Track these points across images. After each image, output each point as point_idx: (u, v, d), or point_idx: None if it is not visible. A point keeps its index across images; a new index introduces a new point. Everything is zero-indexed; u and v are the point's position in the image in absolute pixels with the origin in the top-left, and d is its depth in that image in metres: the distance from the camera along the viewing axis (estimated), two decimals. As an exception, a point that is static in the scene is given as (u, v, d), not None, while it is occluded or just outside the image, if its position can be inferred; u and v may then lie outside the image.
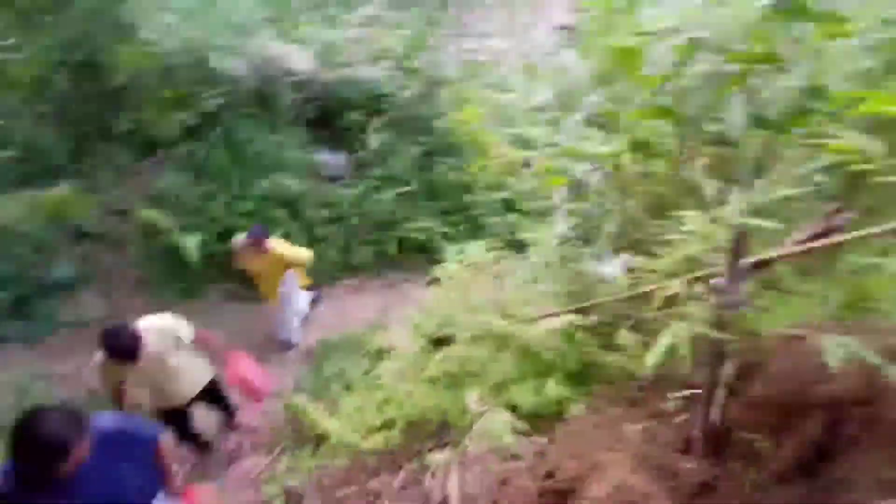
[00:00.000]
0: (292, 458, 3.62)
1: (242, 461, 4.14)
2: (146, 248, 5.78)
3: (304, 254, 4.94)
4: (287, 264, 4.83)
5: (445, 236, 7.18)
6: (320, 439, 3.58)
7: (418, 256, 7.50)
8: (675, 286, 1.68)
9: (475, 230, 7.21)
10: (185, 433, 3.99)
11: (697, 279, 1.78)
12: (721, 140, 2.72)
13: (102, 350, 2.94)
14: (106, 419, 2.28)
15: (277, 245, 4.74)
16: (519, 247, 7.21)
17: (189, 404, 3.66)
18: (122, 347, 2.87)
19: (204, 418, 4.10)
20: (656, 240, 2.57)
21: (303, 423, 4.04)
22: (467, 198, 7.87)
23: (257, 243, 4.58)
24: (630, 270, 2.27)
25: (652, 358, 1.38)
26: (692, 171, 2.57)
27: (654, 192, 2.80)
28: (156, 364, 3.19)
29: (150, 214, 5.64)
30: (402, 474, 2.83)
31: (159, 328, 3.22)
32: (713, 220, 1.65)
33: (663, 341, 1.40)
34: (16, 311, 5.02)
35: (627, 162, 2.83)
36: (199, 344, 3.51)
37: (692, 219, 1.65)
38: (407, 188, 7.40)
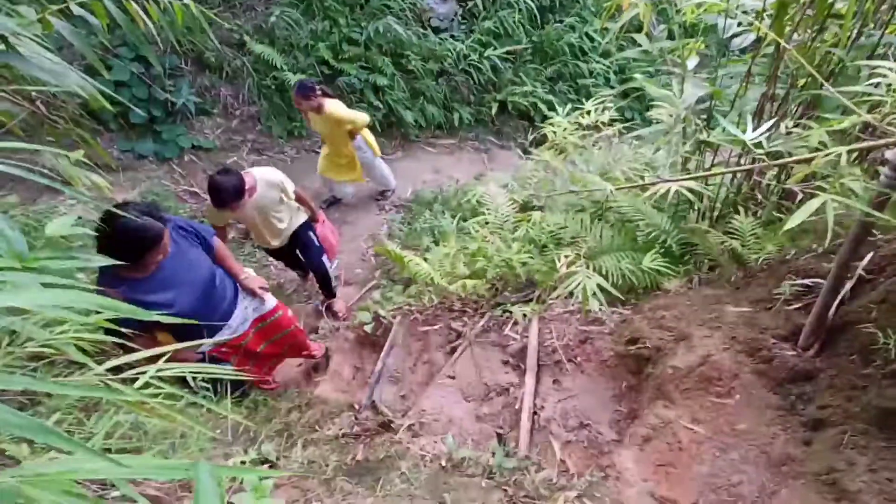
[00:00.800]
0: (383, 295, 3.90)
1: (338, 290, 4.53)
2: (258, 84, 5.95)
3: (359, 117, 4.69)
4: (346, 128, 4.66)
5: (550, 105, 6.75)
6: (410, 281, 3.81)
7: (518, 124, 7.19)
8: (829, 157, 1.44)
9: (583, 102, 6.72)
10: (290, 265, 4.38)
11: (859, 153, 1.52)
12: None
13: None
14: (173, 217, 2.45)
15: (334, 106, 4.52)
16: (629, 119, 6.72)
17: (288, 247, 3.94)
18: (219, 198, 2.98)
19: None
20: (811, 108, 2.23)
21: (394, 266, 4.30)
22: (580, 65, 7.25)
23: (300, 97, 4.37)
24: (770, 139, 1.99)
25: (792, 222, 1.23)
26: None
27: (813, 56, 2.37)
28: (259, 212, 3.43)
29: (263, 49, 5.71)
30: (484, 320, 2.97)
31: (268, 181, 3.37)
32: (906, 79, 1.35)
33: (809, 206, 1.23)
34: (149, 131, 5.51)
35: (791, 21, 2.39)
36: (298, 201, 3.70)
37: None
38: (516, 47, 6.88)
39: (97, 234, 1.96)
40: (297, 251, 3.91)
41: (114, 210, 1.91)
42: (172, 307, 2.16)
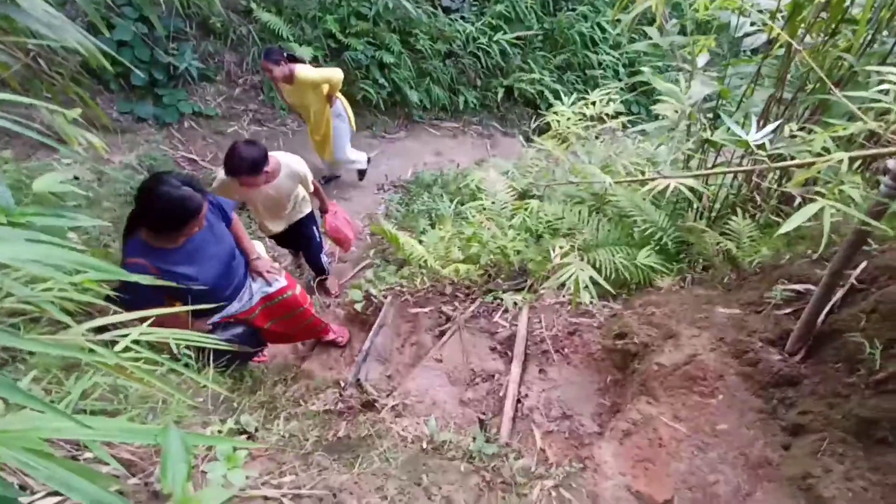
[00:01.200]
0: (376, 274, 3.89)
1: (331, 268, 4.53)
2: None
3: (333, 73, 4.32)
4: (322, 90, 4.37)
5: (556, 94, 6.69)
6: (403, 262, 3.80)
7: (523, 111, 7.13)
8: (830, 162, 1.42)
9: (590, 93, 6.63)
10: (283, 245, 4.33)
11: (862, 161, 1.50)
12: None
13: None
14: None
15: (304, 70, 4.21)
16: (635, 113, 6.67)
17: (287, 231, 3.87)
18: (233, 165, 2.83)
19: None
20: (819, 112, 2.21)
21: (388, 246, 4.28)
22: (590, 55, 7.16)
23: (270, 63, 4.05)
24: (773, 141, 1.97)
25: (787, 226, 1.22)
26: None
27: (824, 61, 2.34)
28: (270, 199, 3.32)
29: (270, 18, 5.61)
30: (475, 305, 2.97)
31: (292, 171, 3.22)
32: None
33: (806, 211, 1.22)
34: (150, 94, 5.43)
35: (804, 24, 2.35)
36: (313, 193, 3.61)
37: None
38: (526, 33, 6.80)
39: (137, 201, 1.95)
40: (300, 241, 3.85)
41: (141, 186, 1.89)
42: (197, 280, 2.16)
